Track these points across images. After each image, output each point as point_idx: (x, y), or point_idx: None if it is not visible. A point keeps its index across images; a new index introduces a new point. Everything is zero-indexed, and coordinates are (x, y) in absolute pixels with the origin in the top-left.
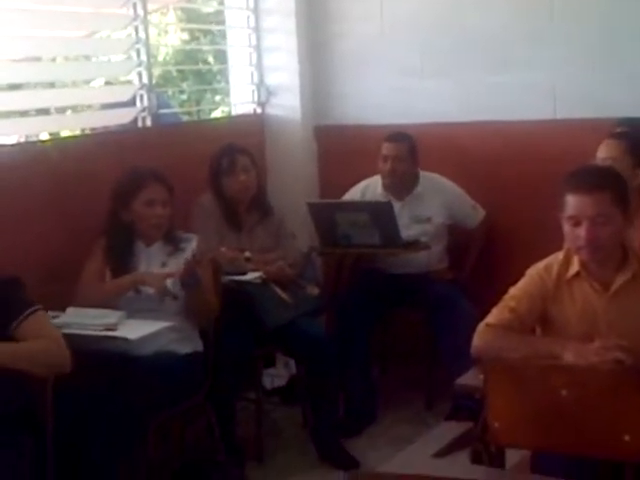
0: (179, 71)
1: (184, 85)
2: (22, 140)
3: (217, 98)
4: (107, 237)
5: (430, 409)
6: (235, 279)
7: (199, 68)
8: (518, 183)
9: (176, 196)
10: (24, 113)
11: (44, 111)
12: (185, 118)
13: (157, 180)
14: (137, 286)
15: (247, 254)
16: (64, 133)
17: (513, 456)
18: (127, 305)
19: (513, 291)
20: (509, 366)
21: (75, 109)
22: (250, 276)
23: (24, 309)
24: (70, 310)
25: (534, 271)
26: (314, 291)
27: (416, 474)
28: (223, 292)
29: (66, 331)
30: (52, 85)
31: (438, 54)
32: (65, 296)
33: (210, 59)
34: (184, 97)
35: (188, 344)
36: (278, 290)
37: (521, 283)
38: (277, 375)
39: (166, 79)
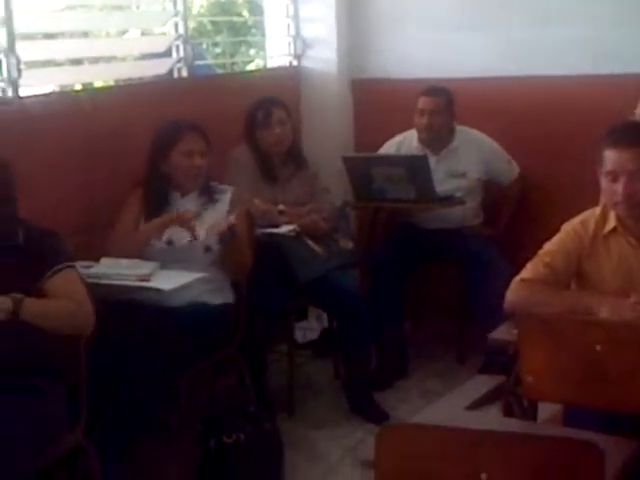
0: (213, 24)
1: (218, 38)
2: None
3: (251, 52)
4: (144, 187)
5: (462, 364)
6: (269, 232)
7: (234, 21)
8: (555, 138)
9: (211, 148)
10: (58, 63)
11: (78, 62)
12: (219, 71)
13: (196, 131)
14: (170, 227)
15: (281, 207)
16: (97, 84)
17: (544, 411)
18: (160, 256)
19: (548, 246)
20: (544, 321)
21: (110, 60)
22: (284, 229)
23: (56, 264)
24: (104, 260)
25: (570, 226)
26: (348, 245)
27: (448, 426)
28: (256, 245)
29: (99, 281)
30: (86, 35)
31: (477, 7)
32: (100, 246)
33: (245, 12)
34: (218, 50)
35: (220, 296)
36: (311, 243)
37: (556, 238)
38: (309, 328)
39: (200, 32)
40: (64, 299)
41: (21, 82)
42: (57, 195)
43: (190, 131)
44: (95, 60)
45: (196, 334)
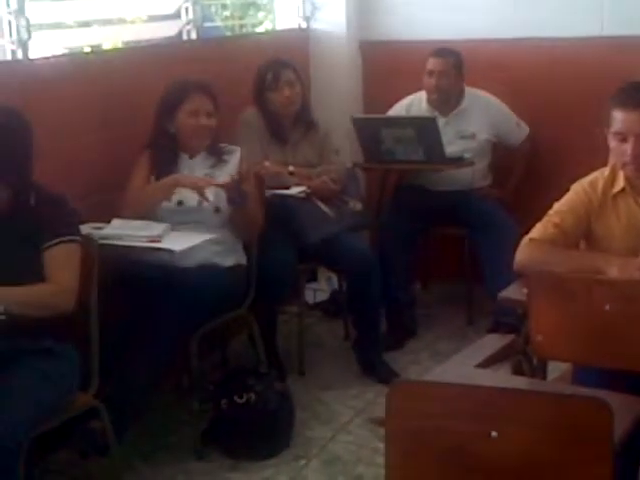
0: None
1: (227, 0)
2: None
3: (260, 14)
4: (152, 148)
5: (471, 325)
6: (279, 193)
7: None
8: (563, 100)
9: (220, 110)
10: (66, 26)
11: (86, 24)
12: (228, 34)
13: (202, 91)
14: (177, 188)
15: (291, 168)
16: (106, 47)
17: (554, 370)
18: (170, 217)
19: (557, 206)
20: (553, 280)
21: (118, 22)
22: (294, 190)
23: (60, 234)
24: (115, 222)
25: (579, 186)
26: (357, 206)
27: (459, 383)
28: (266, 206)
29: (110, 242)
30: None
31: None
32: (111, 207)
33: None
34: (227, 13)
35: (231, 257)
36: (321, 205)
37: (565, 198)
38: (319, 289)
39: None
40: (49, 283)
41: (30, 44)
42: (68, 157)
43: (196, 91)
44: (104, 22)
45: (207, 294)
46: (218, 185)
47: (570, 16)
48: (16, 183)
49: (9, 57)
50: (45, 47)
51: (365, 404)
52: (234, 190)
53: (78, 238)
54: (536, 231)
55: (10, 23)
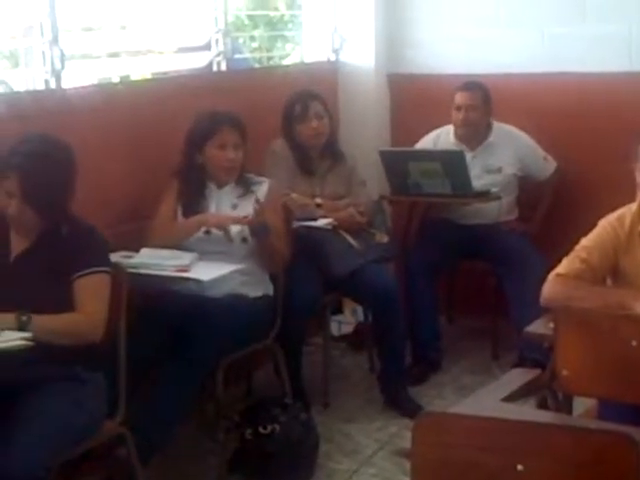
0: (250, 19)
1: (255, 33)
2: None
3: (288, 47)
4: (179, 179)
5: (496, 359)
6: (306, 225)
7: (272, 15)
8: (591, 135)
9: (249, 141)
10: (96, 56)
11: (116, 54)
12: (256, 66)
13: (231, 124)
14: (204, 227)
15: (318, 200)
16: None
17: (579, 405)
18: (198, 246)
19: (584, 242)
20: (580, 315)
21: (148, 53)
22: (321, 222)
23: (91, 265)
24: (144, 251)
25: (606, 222)
26: (383, 239)
27: (485, 416)
28: (293, 238)
29: (139, 271)
30: (123, 28)
31: (514, 3)
32: (139, 236)
33: (282, 6)
34: (255, 45)
35: (258, 288)
36: (348, 237)
37: (593, 234)
38: (344, 322)
39: (237, 26)
40: (77, 313)
41: (63, 74)
42: (98, 185)
43: (225, 124)
44: (133, 54)
45: (234, 324)
46: (241, 221)
47: (598, 51)
48: (52, 214)
49: (42, 86)
50: (76, 77)
51: (389, 437)
52: (256, 221)
53: (108, 269)
54: (563, 266)
55: (44, 53)
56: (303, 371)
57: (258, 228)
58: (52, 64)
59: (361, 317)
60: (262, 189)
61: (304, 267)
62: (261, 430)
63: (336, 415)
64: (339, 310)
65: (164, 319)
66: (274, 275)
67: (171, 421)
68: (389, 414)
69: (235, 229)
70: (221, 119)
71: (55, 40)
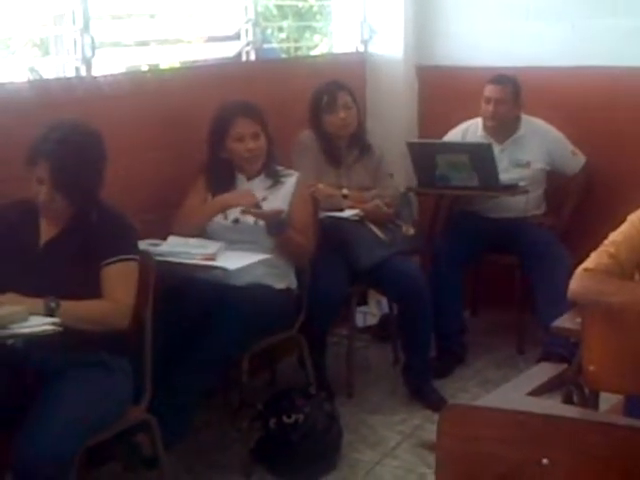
0: (279, 9)
1: (284, 23)
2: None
3: (315, 37)
4: (207, 173)
5: (521, 354)
6: (332, 215)
7: (300, 6)
8: (621, 130)
9: (277, 131)
10: (126, 44)
11: (145, 43)
12: (284, 56)
13: (244, 114)
14: (226, 209)
15: (345, 191)
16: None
17: (604, 403)
18: (225, 235)
19: (613, 236)
20: (607, 310)
21: (177, 42)
22: (347, 213)
23: (119, 253)
24: (171, 239)
25: (635, 217)
26: (410, 231)
27: (511, 409)
28: (320, 228)
29: (166, 259)
30: (153, 17)
31: None
32: (166, 225)
33: None
34: (282, 36)
35: (282, 280)
36: (374, 228)
37: (621, 228)
38: (369, 313)
39: (265, 17)
40: (106, 300)
41: (94, 61)
42: (125, 173)
43: (237, 115)
44: (163, 42)
45: (258, 314)
46: (257, 214)
47: (628, 45)
48: (82, 200)
49: (72, 74)
50: (105, 65)
51: (412, 429)
52: (271, 220)
53: (136, 257)
54: (591, 261)
55: (75, 41)
56: (327, 362)
57: (273, 224)
58: (83, 52)
59: (386, 309)
60: (290, 181)
61: (330, 258)
62: (285, 419)
63: (360, 406)
64: (364, 302)
65: (189, 307)
66: (299, 269)
67: (193, 409)
68: (413, 406)
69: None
70: (233, 111)
71: (86, 28)
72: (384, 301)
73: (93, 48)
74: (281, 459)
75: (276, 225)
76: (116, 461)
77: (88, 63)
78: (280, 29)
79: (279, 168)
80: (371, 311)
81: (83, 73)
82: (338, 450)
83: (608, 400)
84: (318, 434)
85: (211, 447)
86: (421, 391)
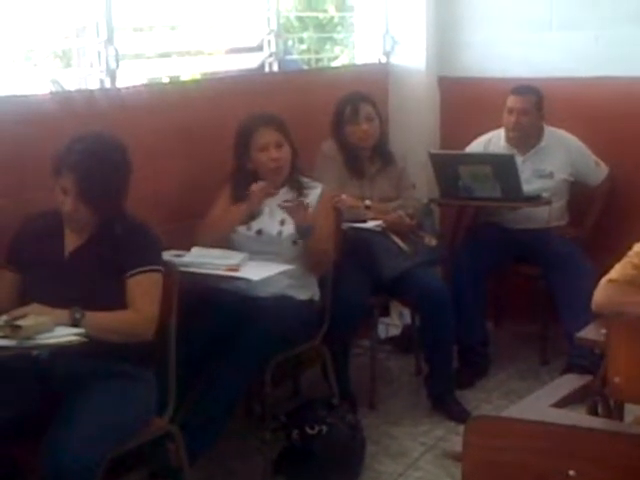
0: (300, 20)
1: (305, 35)
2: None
3: (337, 49)
4: (232, 184)
5: (545, 365)
6: (355, 226)
7: (321, 18)
8: None
9: (300, 143)
10: (149, 56)
11: (167, 54)
12: (305, 67)
13: (266, 124)
14: (253, 212)
15: (367, 202)
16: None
17: (629, 414)
18: (249, 245)
19: (637, 247)
20: (632, 321)
21: (199, 54)
22: (370, 224)
23: (143, 264)
24: (195, 250)
25: None
26: (432, 242)
27: (537, 420)
28: (343, 239)
29: (189, 269)
30: (173, 29)
31: (567, 6)
32: (189, 235)
33: (331, 8)
34: (303, 47)
35: (305, 291)
36: (397, 239)
37: None
38: (392, 324)
39: (286, 28)
40: (131, 311)
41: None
42: (148, 184)
43: (259, 125)
44: (184, 54)
45: (282, 325)
46: (285, 206)
47: None
48: (106, 211)
49: (96, 86)
50: (127, 77)
51: (435, 440)
52: (300, 218)
53: (160, 268)
54: (614, 272)
55: (99, 53)
56: (350, 373)
57: (304, 227)
58: (107, 63)
59: (408, 320)
60: (315, 193)
61: (352, 269)
62: (308, 430)
63: (382, 417)
64: (386, 313)
65: (213, 319)
66: (322, 280)
67: (220, 420)
68: (435, 417)
69: (287, 232)
70: (256, 122)
71: (110, 40)
72: (406, 312)
73: (117, 60)
74: (304, 470)
75: (305, 229)
76: (141, 470)
77: (112, 75)
78: (301, 40)
79: (304, 179)
80: (393, 322)
81: (107, 85)
82: (361, 461)
83: (633, 411)
84: (341, 445)
85: (233, 457)
86: (444, 402)
